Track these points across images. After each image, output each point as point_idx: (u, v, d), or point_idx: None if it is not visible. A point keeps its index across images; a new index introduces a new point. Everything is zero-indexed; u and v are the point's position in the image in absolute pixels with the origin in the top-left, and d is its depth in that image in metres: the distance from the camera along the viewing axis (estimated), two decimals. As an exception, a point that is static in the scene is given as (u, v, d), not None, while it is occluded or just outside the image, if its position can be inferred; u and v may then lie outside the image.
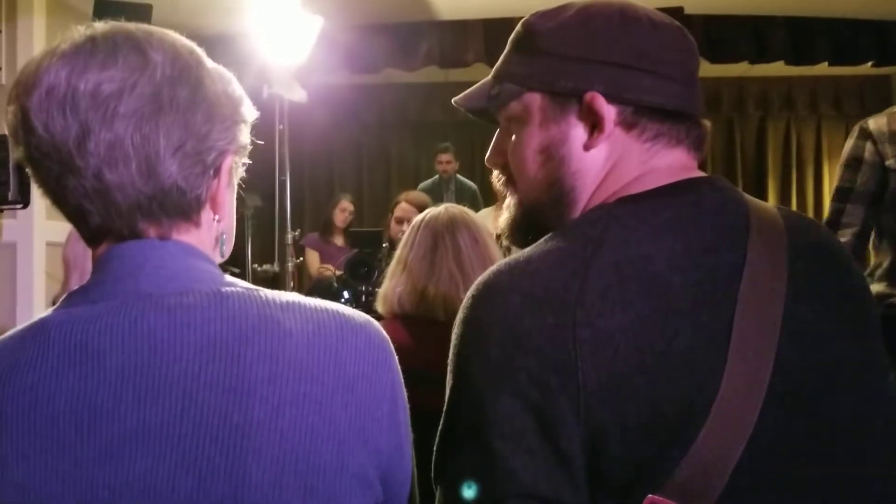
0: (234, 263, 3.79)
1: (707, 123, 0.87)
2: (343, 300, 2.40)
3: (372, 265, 2.43)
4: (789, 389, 0.70)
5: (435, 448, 0.77)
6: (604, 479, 0.69)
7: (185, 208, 0.74)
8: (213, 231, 0.79)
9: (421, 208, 3.15)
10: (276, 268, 4.01)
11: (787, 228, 0.79)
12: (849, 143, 2.43)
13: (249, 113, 0.80)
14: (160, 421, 0.66)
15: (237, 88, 0.79)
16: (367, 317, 0.78)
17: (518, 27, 0.89)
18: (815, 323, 0.74)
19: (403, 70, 5.25)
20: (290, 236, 3.96)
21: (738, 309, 0.71)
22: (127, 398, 0.66)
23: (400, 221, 3.17)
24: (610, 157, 0.83)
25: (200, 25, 4.64)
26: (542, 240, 0.79)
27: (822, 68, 5.41)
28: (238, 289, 0.73)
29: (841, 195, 2.44)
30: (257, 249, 4.40)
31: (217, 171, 0.76)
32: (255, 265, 4.08)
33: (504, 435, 0.69)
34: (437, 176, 5.80)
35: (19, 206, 3.38)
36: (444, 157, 5.74)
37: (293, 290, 4.03)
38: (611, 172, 0.83)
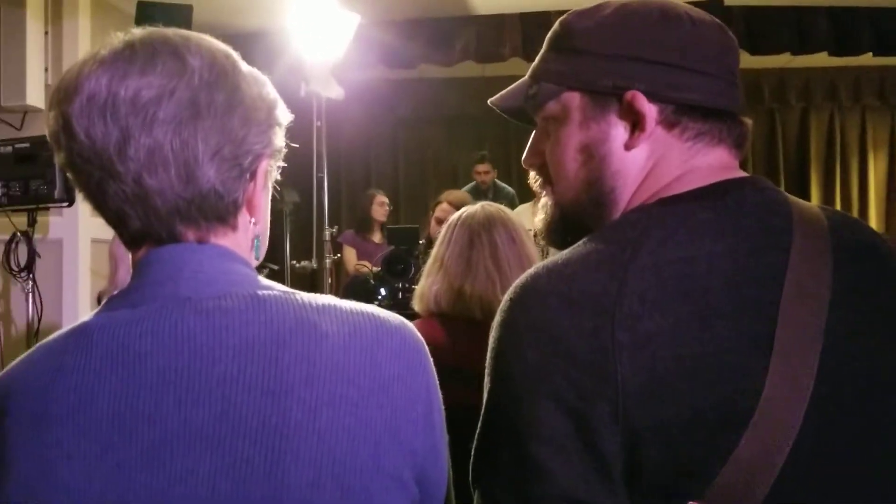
0: (273, 260, 3.82)
1: (748, 121, 0.86)
2: (380, 297, 2.41)
3: (409, 262, 2.44)
4: (833, 393, 0.69)
5: (473, 450, 0.77)
6: (643, 483, 0.68)
7: (223, 212, 0.75)
8: (250, 233, 0.80)
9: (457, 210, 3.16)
10: (313, 264, 4.03)
11: (831, 229, 0.77)
12: None
13: (284, 116, 0.81)
14: (200, 423, 0.67)
15: (271, 91, 0.80)
16: (402, 319, 0.78)
17: (556, 26, 0.88)
18: (860, 325, 0.73)
19: (440, 65, 5.24)
20: (327, 233, 3.98)
21: (780, 312, 0.69)
22: (168, 400, 0.67)
23: (440, 222, 3.15)
24: (651, 157, 0.83)
25: (238, 23, 4.70)
26: (580, 242, 0.78)
27: (867, 58, 5.28)
28: (275, 292, 0.74)
29: None
30: (295, 246, 4.44)
31: (253, 175, 0.77)
32: (294, 261, 4.11)
33: (542, 438, 0.69)
34: (474, 184, 5.70)
35: (65, 203, 3.48)
36: (482, 167, 5.63)
37: (330, 286, 4.06)
38: (651, 172, 0.83)
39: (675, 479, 0.68)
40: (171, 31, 0.75)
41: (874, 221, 6.74)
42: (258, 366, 0.68)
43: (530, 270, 0.77)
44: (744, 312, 0.69)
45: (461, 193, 4.46)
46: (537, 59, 0.90)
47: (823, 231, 0.77)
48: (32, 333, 3.51)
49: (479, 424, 0.76)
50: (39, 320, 3.55)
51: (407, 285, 2.45)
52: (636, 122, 0.82)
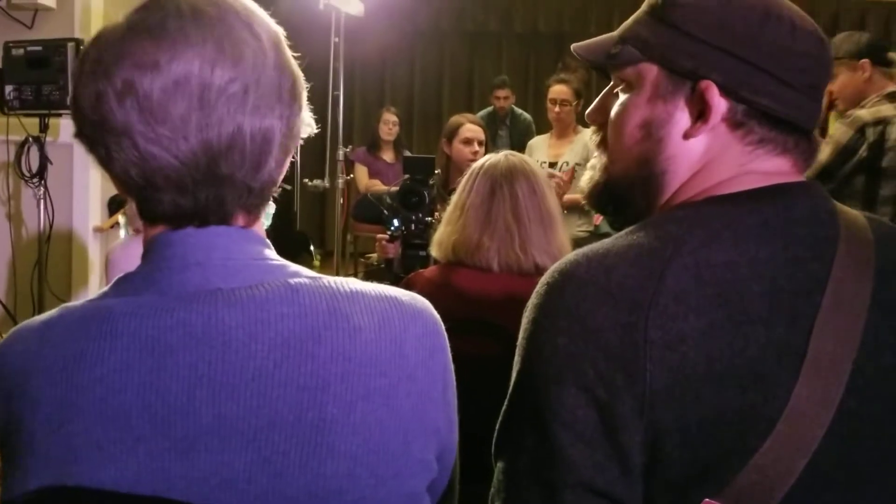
0: (285, 180, 3.80)
1: (818, 139, 0.83)
2: (392, 228, 2.42)
3: (423, 194, 2.42)
4: (860, 409, 0.69)
5: (498, 424, 0.78)
6: (661, 478, 0.70)
7: (268, 196, 0.76)
8: (267, 208, 0.80)
9: (482, 129, 3.21)
10: (325, 183, 4.01)
11: (877, 242, 0.77)
12: None
13: (304, 94, 0.80)
14: (235, 417, 0.67)
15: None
16: (423, 300, 0.79)
17: None
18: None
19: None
20: (341, 152, 3.95)
21: (816, 324, 0.69)
22: (201, 394, 0.67)
23: (469, 142, 3.12)
24: (708, 152, 0.81)
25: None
26: (623, 231, 0.78)
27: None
28: (304, 280, 0.73)
29: None
30: (308, 165, 4.40)
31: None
32: (306, 180, 4.09)
33: (566, 425, 0.71)
34: (490, 109, 5.56)
35: (77, 111, 3.42)
36: (502, 92, 5.47)
37: (342, 205, 4.05)
38: (705, 168, 0.81)
39: (692, 478, 0.69)
40: (240, 4, 0.73)
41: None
42: (294, 361, 0.68)
43: (569, 256, 0.77)
44: (779, 321, 0.69)
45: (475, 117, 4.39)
46: (631, 18, 0.87)
47: (869, 244, 0.76)
48: (44, 239, 3.53)
49: (506, 401, 0.78)
50: (51, 226, 3.56)
51: (420, 216, 2.44)
52: (702, 112, 0.80)
